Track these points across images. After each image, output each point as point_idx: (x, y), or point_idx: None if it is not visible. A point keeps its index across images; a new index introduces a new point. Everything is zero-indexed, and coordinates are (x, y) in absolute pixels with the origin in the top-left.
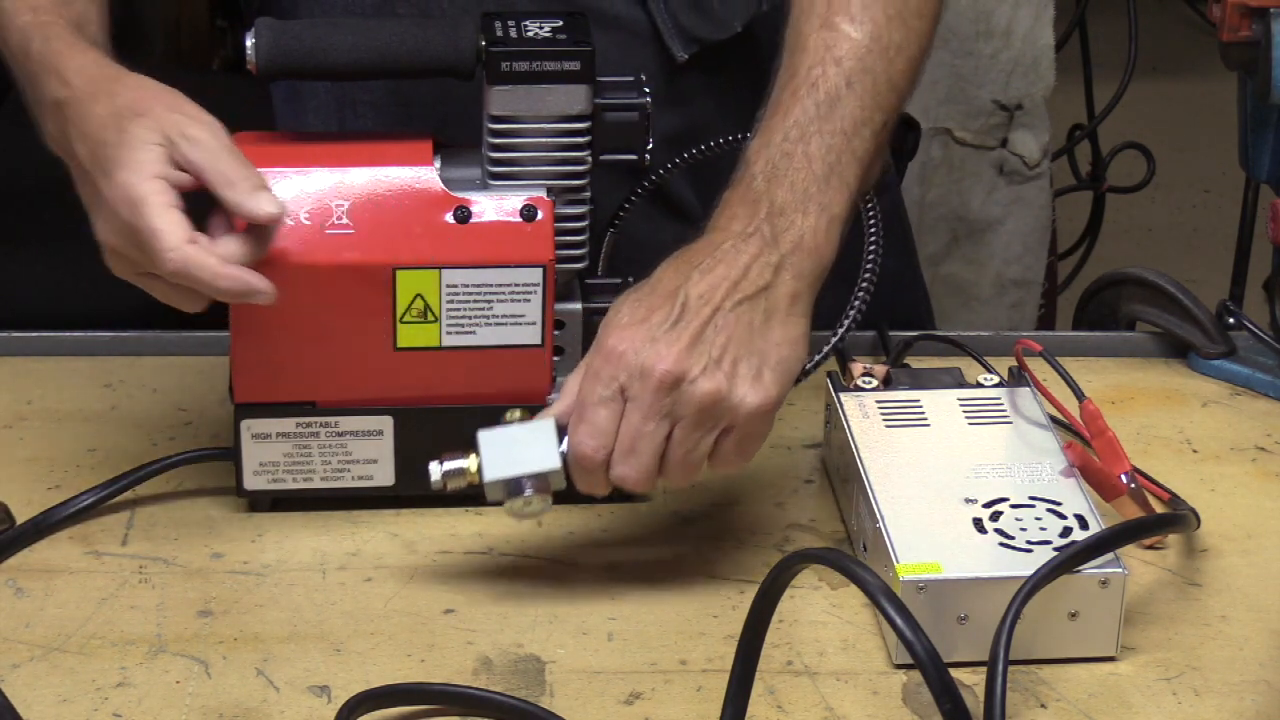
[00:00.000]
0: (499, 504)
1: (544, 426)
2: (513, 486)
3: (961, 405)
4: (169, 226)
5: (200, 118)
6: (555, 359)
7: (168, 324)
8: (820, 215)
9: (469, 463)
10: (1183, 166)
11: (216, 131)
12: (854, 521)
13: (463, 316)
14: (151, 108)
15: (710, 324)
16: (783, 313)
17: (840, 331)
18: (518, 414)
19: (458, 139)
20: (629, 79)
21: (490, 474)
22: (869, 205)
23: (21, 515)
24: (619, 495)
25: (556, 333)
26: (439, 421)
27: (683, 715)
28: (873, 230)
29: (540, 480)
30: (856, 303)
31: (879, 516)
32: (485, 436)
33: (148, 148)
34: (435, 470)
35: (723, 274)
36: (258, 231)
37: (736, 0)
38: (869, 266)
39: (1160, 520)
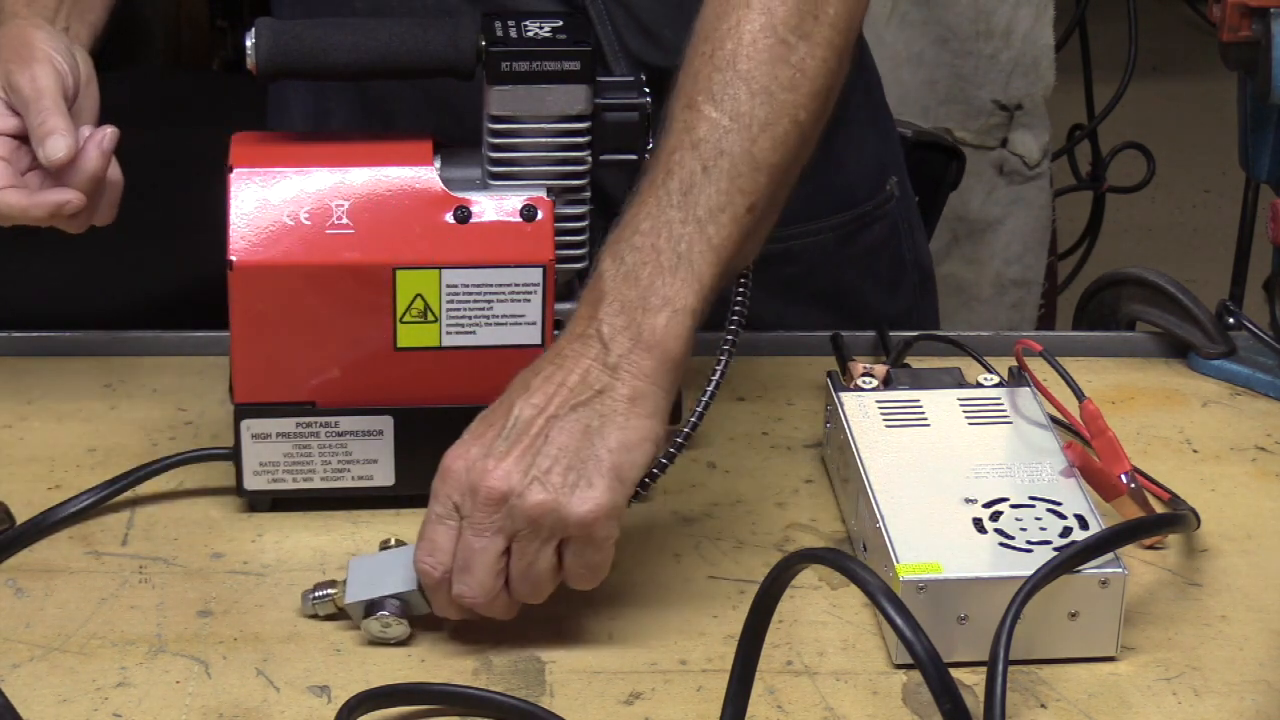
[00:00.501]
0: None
1: (409, 552)
2: (371, 608)
3: (961, 405)
4: None
5: (28, 65)
6: None
7: (168, 324)
8: (662, 310)
9: (335, 590)
10: (1183, 166)
11: (38, 77)
12: (854, 521)
13: (463, 316)
14: None
15: (542, 435)
16: (621, 415)
17: (698, 412)
18: (393, 541)
19: (428, 129)
20: (629, 79)
21: (351, 596)
22: (740, 282)
23: (21, 515)
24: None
25: (556, 333)
26: (439, 421)
27: (683, 715)
28: (737, 310)
29: (398, 603)
30: (711, 385)
31: (879, 516)
32: (355, 563)
33: None
34: (305, 600)
35: (559, 381)
36: (68, 168)
37: (689, 28)
38: (726, 347)
39: (1160, 520)
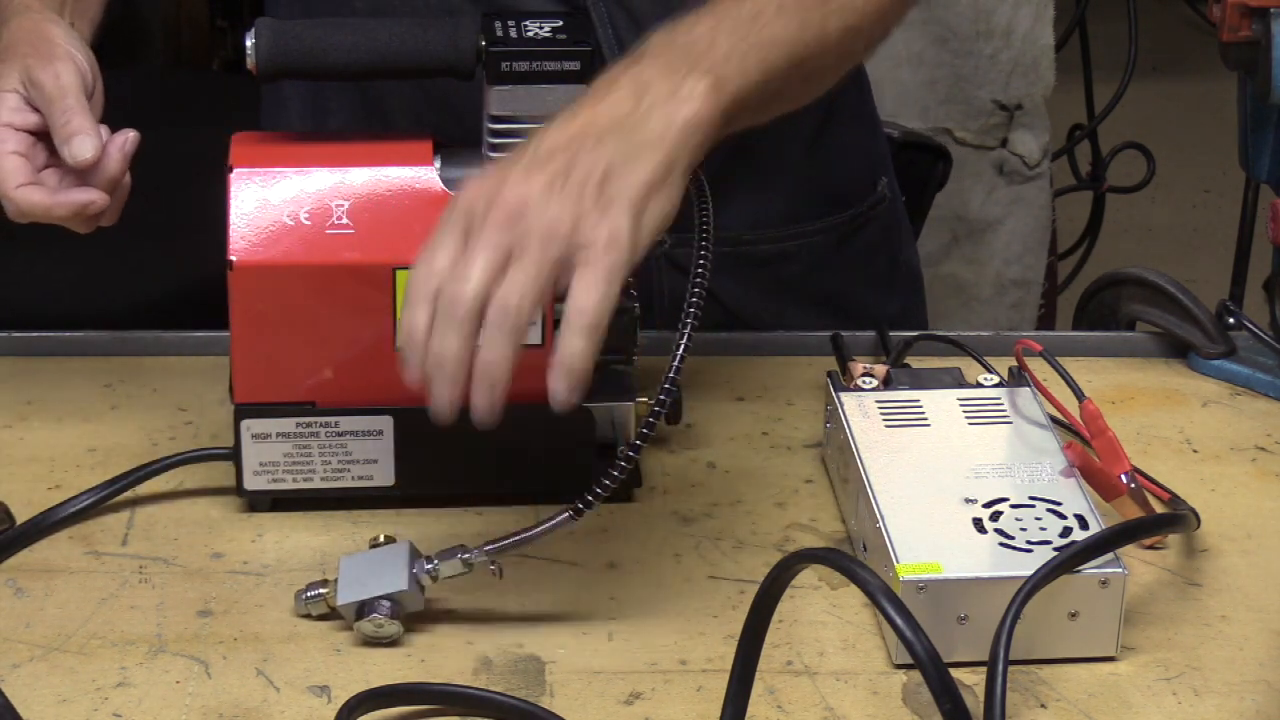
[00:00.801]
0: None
1: (399, 550)
2: (364, 609)
3: (961, 405)
4: (2, 175)
5: (51, 63)
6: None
7: (168, 324)
8: (705, 77)
9: (326, 590)
10: (1183, 166)
11: (61, 75)
12: (854, 521)
13: None
14: (15, 51)
15: (568, 158)
16: (646, 157)
17: (678, 353)
18: (381, 539)
19: (428, 129)
20: None
21: (343, 597)
22: (703, 211)
23: (21, 515)
24: (621, 495)
25: (556, 333)
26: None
27: (683, 715)
28: (704, 240)
29: (390, 603)
30: (689, 318)
31: (879, 516)
32: (345, 561)
33: (3, 95)
34: (298, 600)
35: (590, 114)
36: (90, 168)
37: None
38: (695, 290)
39: (1160, 520)
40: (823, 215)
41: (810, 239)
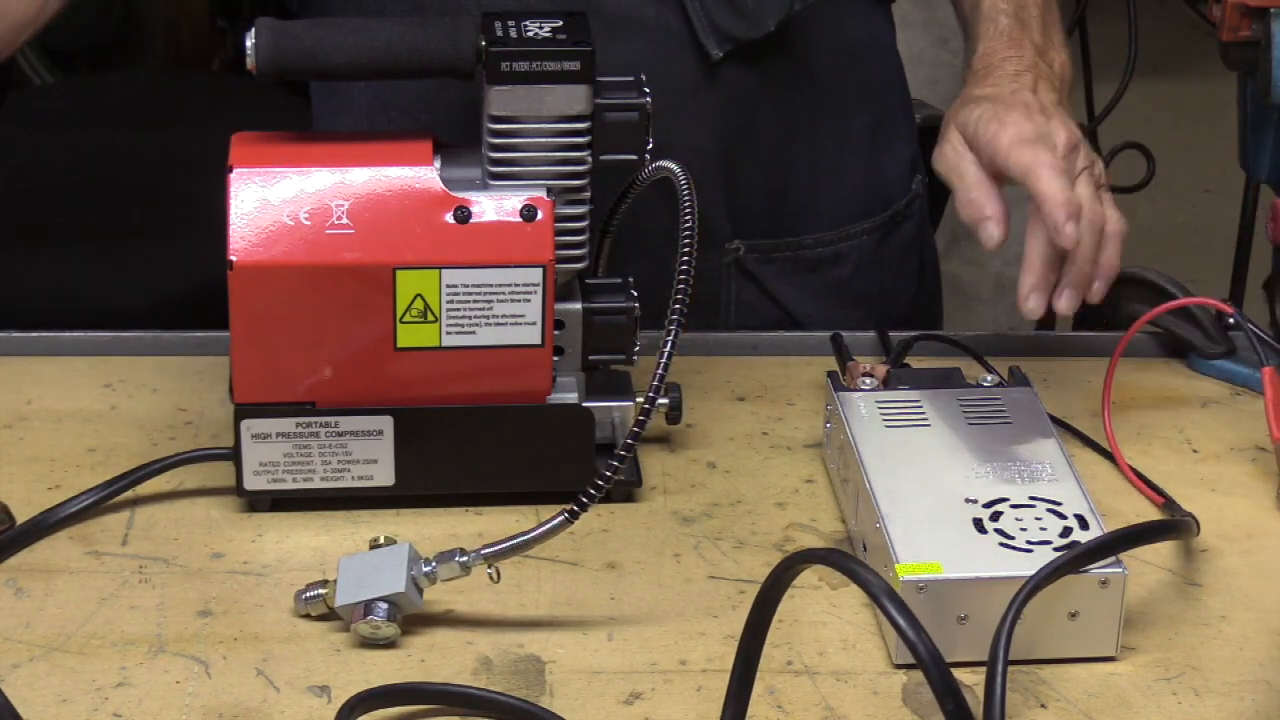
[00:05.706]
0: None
1: (399, 552)
2: (363, 610)
3: (961, 405)
4: None
5: None
6: (555, 359)
7: (168, 324)
8: (1063, 49)
9: (326, 590)
10: (1183, 166)
11: None
12: (854, 521)
13: (463, 316)
14: None
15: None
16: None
17: (667, 351)
18: (381, 539)
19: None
20: (629, 79)
21: (342, 599)
22: (686, 212)
23: (21, 515)
24: (621, 495)
25: (556, 333)
26: (439, 421)
27: (683, 715)
28: (686, 240)
29: (388, 605)
30: (675, 315)
31: (879, 516)
32: (345, 562)
33: None
34: (298, 600)
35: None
36: None
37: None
38: (682, 276)
39: (1161, 527)
40: (870, 215)
41: (859, 239)
